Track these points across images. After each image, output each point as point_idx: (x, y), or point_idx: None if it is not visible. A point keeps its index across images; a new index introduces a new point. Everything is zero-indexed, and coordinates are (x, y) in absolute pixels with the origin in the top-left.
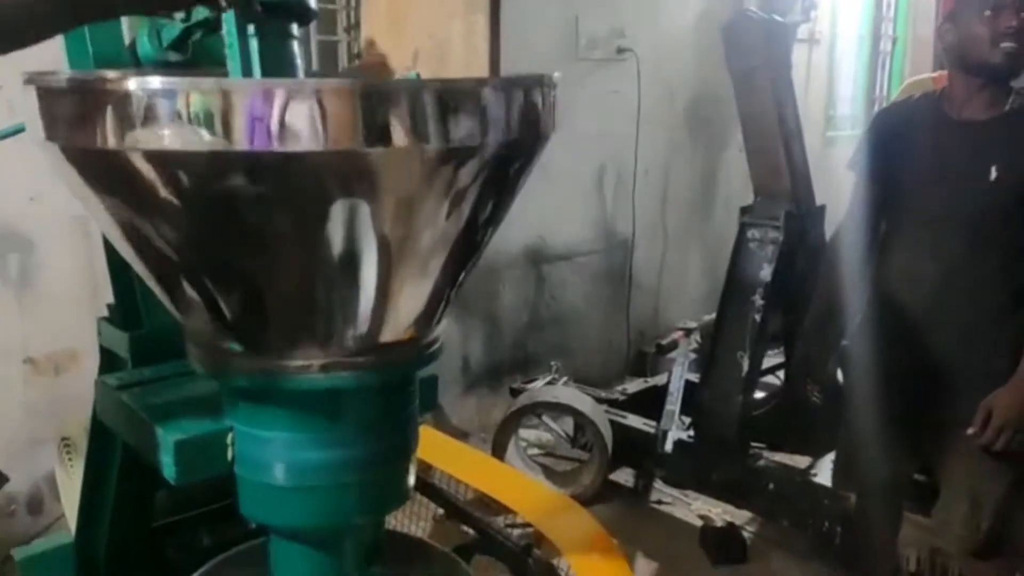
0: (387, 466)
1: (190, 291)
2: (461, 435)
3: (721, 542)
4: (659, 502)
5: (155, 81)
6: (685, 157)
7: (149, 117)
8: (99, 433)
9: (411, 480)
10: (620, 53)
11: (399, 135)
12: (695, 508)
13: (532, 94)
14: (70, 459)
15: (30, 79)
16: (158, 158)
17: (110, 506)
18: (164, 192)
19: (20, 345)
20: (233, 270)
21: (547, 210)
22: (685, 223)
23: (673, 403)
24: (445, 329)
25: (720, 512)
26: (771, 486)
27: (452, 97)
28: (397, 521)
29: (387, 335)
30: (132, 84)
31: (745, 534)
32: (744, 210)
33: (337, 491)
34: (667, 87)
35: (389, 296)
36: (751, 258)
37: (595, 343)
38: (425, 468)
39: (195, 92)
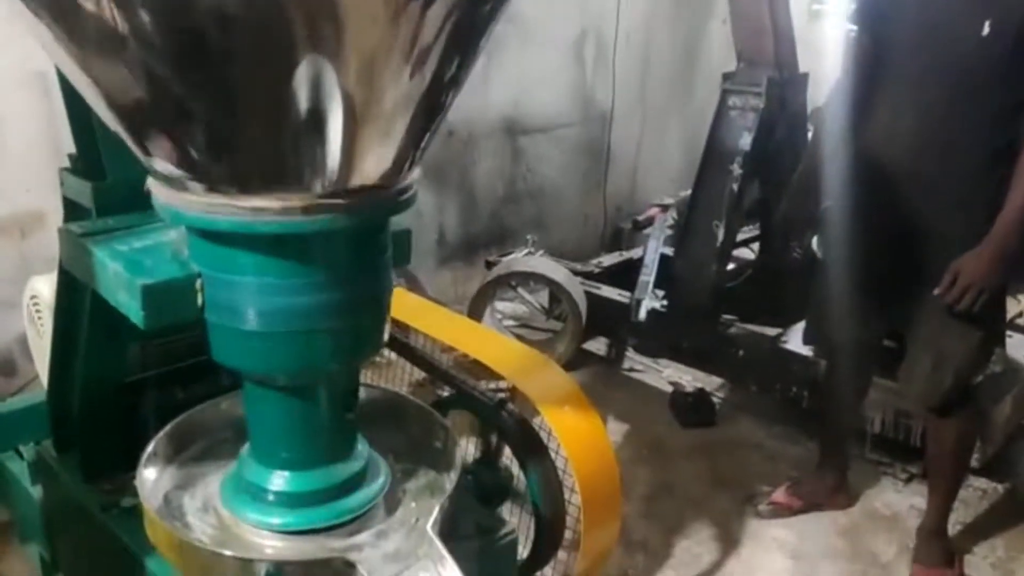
0: (360, 313)
1: (155, 133)
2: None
3: (691, 406)
4: (631, 370)
5: None
6: (667, 25)
7: None
8: (66, 286)
9: (386, 331)
10: None
11: None
12: (666, 375)
13: None
14: (39, 317)
15: None
16: None
17: (81, 361)
18: (124, 26)
19: None
20: (198, 108)
21: (525, 78)
22: (665, 96)
23: (648, 274)
24: (418, 180)
25: (690, 379)
26: (741, 352)
27: None
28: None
29: (357, 178)
30: None
31: (714, 399)
32: (726, 76)
33: (309, 337)
34: None
35: (358, 134)
36: (731, 126)
37: (572, 218)
38: (403, 330)
39: None
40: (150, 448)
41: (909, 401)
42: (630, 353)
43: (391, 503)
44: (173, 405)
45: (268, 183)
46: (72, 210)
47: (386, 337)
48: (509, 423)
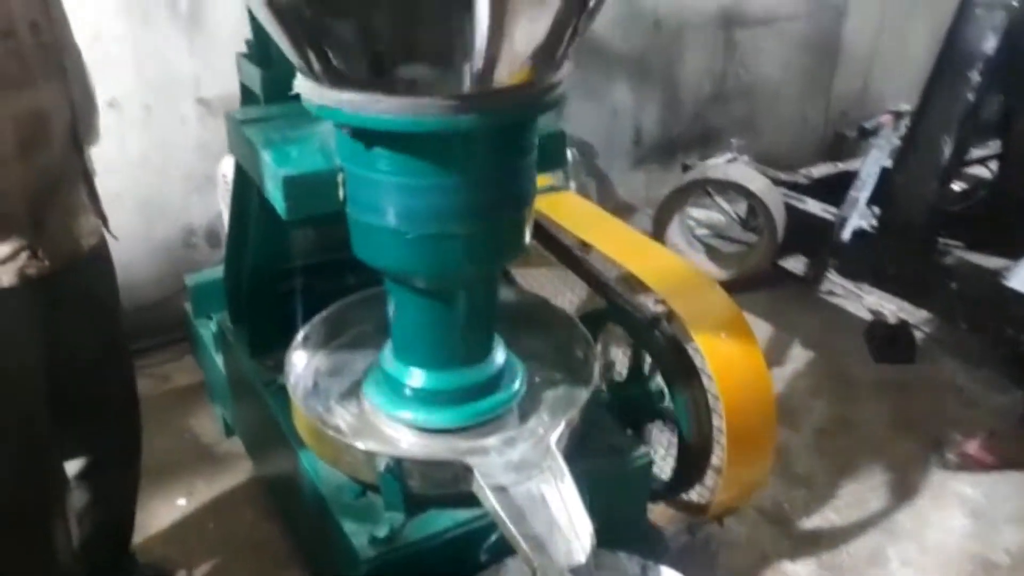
0: (498, 218)
1: (299, 28)
2: (627, 209)
3: (888, 339)
4: (830, 293)
5: None
6: None
7: None
8: (238, 171)
9: (527, 234)
10: None
11: None
12: (867, 303)
13: None
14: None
15: None
16: None
17: (251, 242)
18: None
19: (192, 85)
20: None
21: None
22: None
23: (859, 189)
24: (569, 75)
25: (894, 309)
26: (954, 285)
27: None
28: (553, 287)
29: (498, 76)
30: None
31: (917, 334)
32: None
33: (444, 240)
34: None
35: (499, 31)
36: (975, 25)
37: (787, 121)
38: (568, 236)
39: None
40: (303, 333)
41: None
42: (831, 275)
43: (525, 411)
44: (340, 290)
45: (407, 82)
46: (246, 95)
47: (527, 242)
48: (660, 343)
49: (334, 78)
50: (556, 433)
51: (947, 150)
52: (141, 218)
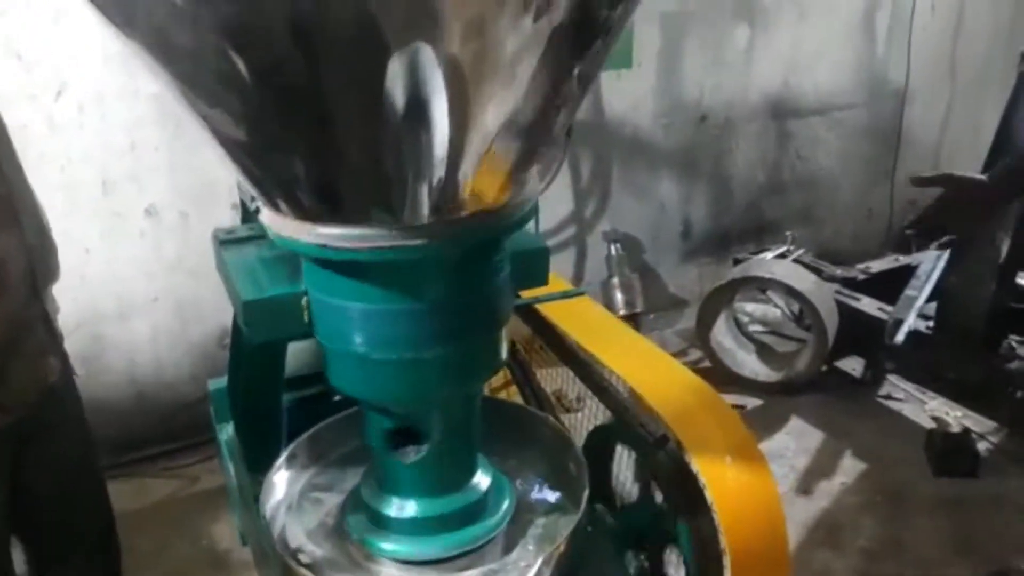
0: (468, 340)
1: (254, 162)
2: (679, 303)
3: (949, 450)
4: (888, 397)
5: None
6: None
7: None
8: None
9: (502, 352)
10: None
11: None
12: (929, 409)
13: None
14: None
15: None
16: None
17: (245, 357)
18: (218, 68)
19: (227, 192)
20: (298, 141)
21: (799, 54)
22: (982, 66)
23: (917, 288)
24: (535, 192)
25: (959, 416)
26: (1020, 394)
27: None
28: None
29: (456, 203)
30: None
31: (981, 445)
32: None
33: (413, 366)
34: None
35: (457, 157)
36: None
37: (849, 211)
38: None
39: None
40: (286, 453)
41: None
42: (892, 377)
43: (510, 540)
44: (337, 405)
45: (363, 211)
46: (244, 211)
47: (503, 359)
48: (666, 466)
49: (285, 207)
50: (535, 569)
51: (1004, 247)
52: (177, 320)
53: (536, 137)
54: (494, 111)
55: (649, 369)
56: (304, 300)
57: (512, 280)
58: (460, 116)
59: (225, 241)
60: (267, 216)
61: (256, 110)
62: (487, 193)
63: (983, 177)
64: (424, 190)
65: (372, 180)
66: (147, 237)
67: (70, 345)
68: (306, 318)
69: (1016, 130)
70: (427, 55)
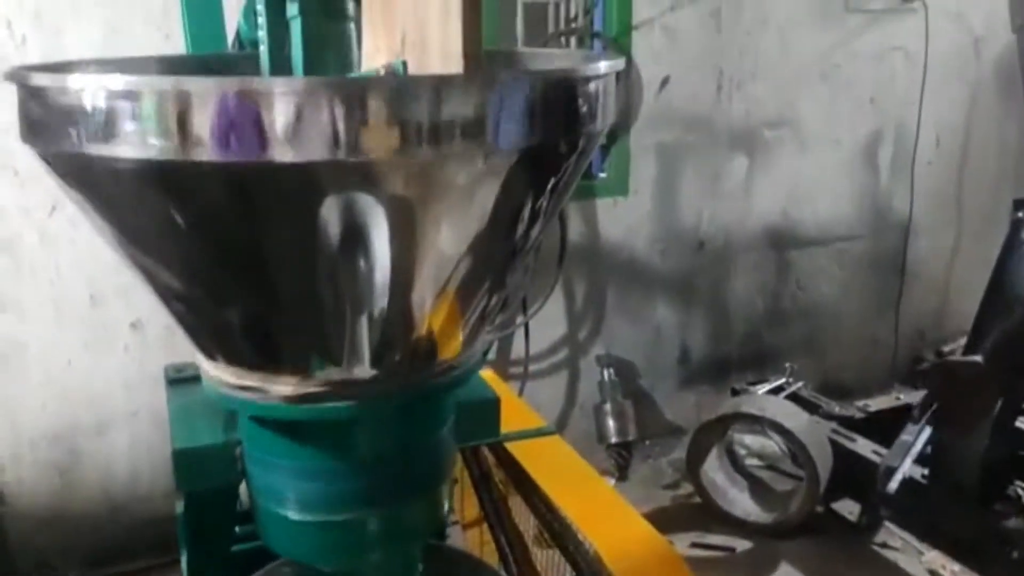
0: (404, 499)
1: (186, 314)
2: (676, 431)
3: None
4: (884, 545)
5: (107, 81)
6: (992, 120)
7: (104, 121)
8: None
9: (443, 510)
10: (906, 2)
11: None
12: (926, 560)
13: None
14: None
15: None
16: (122, 168)
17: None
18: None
19: None
20: (229, 299)
21: (799, 184)
22: (989, 202)
23: (912, 433)
24: (480, 349)
25: (957, 571)
26: (1015, 555)
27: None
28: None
29: (391, 363)
30: (78, 83)
31: None
32: (1018, 203)
33: (349, 526)
34: (970, 36)
35: (391, 320)
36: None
37: (853, 343)
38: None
39: (147, 94)
40: None
41: None
42: (889, 524)
43: None
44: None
45: (291, 367)
46: None
47: (443, 518)
48: None
49: (219, 356)
50: None
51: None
52: (158, 433)
53: (489, 291)
54: (440, 266)
55: (609, 523)
56: (238, 450)
57: (457, 434)
58: (402, 272)
59: (173, 380)
60: (202, 365)
61: (191, 258)
62: (430, 347)
63: (978, 359)
64: (363, 342)
65: (310, 332)
66: (131, 351)
67: (47, 456)
68: (239, 467)
69: (1009, 286)
70: (368, 208)
